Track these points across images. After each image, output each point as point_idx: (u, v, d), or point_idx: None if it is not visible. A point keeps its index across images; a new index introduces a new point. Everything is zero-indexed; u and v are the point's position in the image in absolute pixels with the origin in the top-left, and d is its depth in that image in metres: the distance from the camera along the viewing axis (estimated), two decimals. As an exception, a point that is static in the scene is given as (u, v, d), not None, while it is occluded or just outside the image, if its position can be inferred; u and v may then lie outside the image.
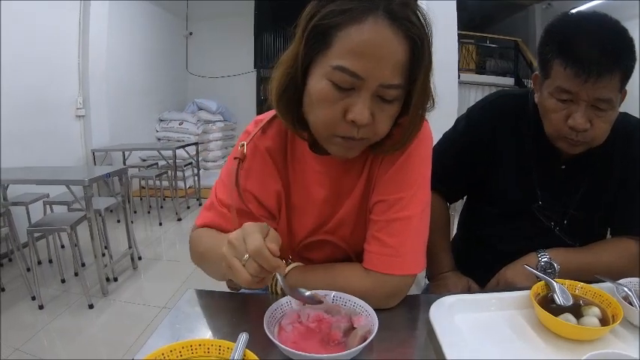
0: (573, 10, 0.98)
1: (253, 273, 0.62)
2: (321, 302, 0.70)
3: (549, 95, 0.94)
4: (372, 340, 0.63)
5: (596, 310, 0.74)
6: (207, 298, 0.87)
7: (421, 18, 0.69)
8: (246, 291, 0.96)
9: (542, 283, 0.81)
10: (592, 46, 0.86)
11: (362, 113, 0.67)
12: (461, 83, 6.37)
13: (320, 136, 0.76)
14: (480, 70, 8.69)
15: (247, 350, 0.57)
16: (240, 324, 0.76)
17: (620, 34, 0.88)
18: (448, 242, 1.23)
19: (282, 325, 0.68)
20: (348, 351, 0.60)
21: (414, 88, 0.71)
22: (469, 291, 1.09)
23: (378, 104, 0.70)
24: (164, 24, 6.45)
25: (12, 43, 3.58)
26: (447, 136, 1.19)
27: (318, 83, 0.69)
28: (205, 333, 0.75)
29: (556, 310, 0.74)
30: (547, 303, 0.77)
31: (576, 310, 0.75)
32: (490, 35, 8.84)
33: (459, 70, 6.23)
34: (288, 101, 0.75)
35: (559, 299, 0.77)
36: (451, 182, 1.16)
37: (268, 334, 0.62)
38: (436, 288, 1.14)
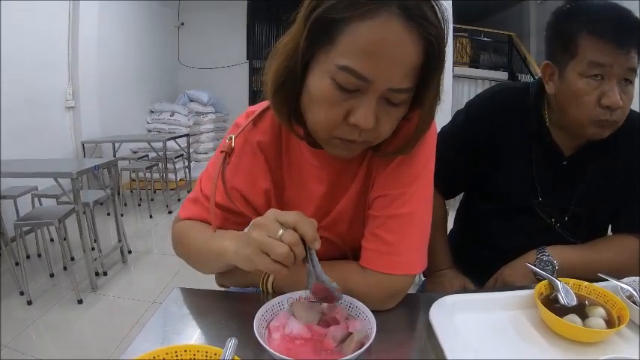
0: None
1: (292, 243, 0.60)
2: (338, 299, 0.67)
3: (579, 76, 0.91)
4: (369, 345, 0.60)
5: (601, 311, 0.72)
6: (194, 296, 0.83)
7: (439, 14, 0.61)
8: (235, 289, 0.92)
9: (546, 282, 0.79)
10: (620, 17, 0.88)
11: (366, 118, 0.62)
12: (454, 77, 6.35)
13: (318, 136, 0.70)
14: (474, 63, 8.66)
15: (236, 357, 0.53)
16: (230, 325, 0.72)
17: (629, 10, 0.90)
18: (446, 239, 1.20)
19: (274, 328, 0.65)
20: (344, 359, 0.56)
21: (425, 91, 0.65)
22: (464, 291, 1.07)
23: (384, 107, 0.64)
24: (155, 14, 6.33)
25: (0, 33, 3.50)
26: (444, 131, 1.15)
27: (319, 81, 0.63)
28: (192, 334, 0.71)
29: (560, 310, 0.72)
30: (551, 303, 0.75)
31: (581, 310, 0.73)
32: (484, 29, 8.81)
33: (453, 63, 6.22)
34: (285, 96, 0.69)
35: (563, 299, 0.74)
36: (449, 178, 1.12)
37: (259, 339, 0.59)
38: (432, 286, 1.12)
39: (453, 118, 1.16)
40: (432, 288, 1.11)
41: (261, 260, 0.61)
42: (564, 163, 1.04)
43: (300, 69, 0.66)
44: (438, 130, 1.12)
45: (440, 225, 1.18)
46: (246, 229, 0.76)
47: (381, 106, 0.63)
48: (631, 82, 0.90)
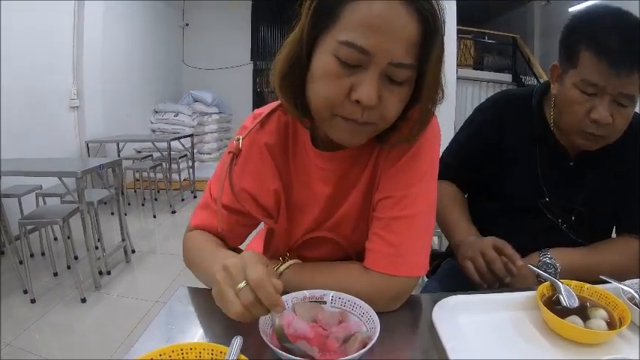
0: (572, 8, 0.97)
1: (247, 304, 0.55)
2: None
3: (573, 86, 0.92)
4: (372, 345, 0.60)
5: (602, 313, 0.73)
6: (199, 295, 0.84)
7: (433, 1, 0.63)
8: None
9: (548, 283, 0.79)
10: (624, 40, 0.85)
11: (368, 93, 0.62)
12: (458, 79, 6.35)
13: (320, 117, 0.70)
14: (478, 65, 8.65)
15: (242, 355, 0.54)
16: (234, 324, 0.72)
17: None
18: (468, 214, 1.15)
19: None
20: (346, 358, 0.57)
21: (425, 73, 0.66)
22: (468, 293, 1.02)
23: (387, 85, 0.64)
24: (160, 14, 6.36)
25: (4, 32, 3.51)
26: (453, 140, 1.19)
27: (322, 58, 0.65)
28: (197, 333, 0.72)
29: (562, 311, 0.72)
30: (553, 304, 0.75)
31: (582, 311, 0.73)
32: (488, 31, 8.81)
33: (457, 65, 6.22)
34: (292, 83, 0.70)
35: (565, 301, 0.75)
36: (462, 179, 1.14)
37: (264, 337, 0.59)
38: (465, 251, 1.00)
39: (462, 126, 1.20)
40: (464, 254, 0.99)
41: (220, 305, 0.59)
42: (571, 164, 1.05)
43: (305, 54, 0.67)
44: (444, 139, 1.15)
45: (461, 203, 1.15)
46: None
47: (383, 84, 0.64)
48: (625, 106, 0.89)
